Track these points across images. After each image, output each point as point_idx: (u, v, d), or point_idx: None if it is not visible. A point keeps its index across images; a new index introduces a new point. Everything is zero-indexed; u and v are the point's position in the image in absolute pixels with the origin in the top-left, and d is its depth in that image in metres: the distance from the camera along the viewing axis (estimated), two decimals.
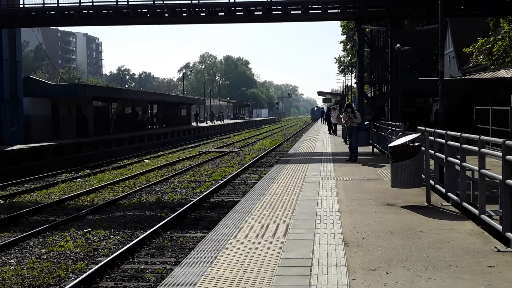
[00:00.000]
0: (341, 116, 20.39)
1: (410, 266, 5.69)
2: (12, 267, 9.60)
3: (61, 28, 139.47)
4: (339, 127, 32.26)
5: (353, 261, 5.95)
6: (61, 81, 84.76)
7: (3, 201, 17.11)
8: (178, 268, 5.97)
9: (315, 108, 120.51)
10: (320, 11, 26.22)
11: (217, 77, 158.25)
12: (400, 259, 5.98)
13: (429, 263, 5.80)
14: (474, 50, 26.46)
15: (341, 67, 66.75)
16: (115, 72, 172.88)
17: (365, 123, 20.18)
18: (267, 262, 6.01)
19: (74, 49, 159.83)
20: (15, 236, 11.90)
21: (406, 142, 9.38)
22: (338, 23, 60.91)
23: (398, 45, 24.55)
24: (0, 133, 28.56)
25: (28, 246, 11.23)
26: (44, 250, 10.86)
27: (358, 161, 16.84)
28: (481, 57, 26.67)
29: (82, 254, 10.48)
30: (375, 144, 20.79)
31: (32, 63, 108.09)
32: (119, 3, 26.20)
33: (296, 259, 6.12)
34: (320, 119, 76.04)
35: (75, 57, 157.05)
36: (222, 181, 19.64)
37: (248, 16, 26.63)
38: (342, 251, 6.34)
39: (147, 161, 29.49)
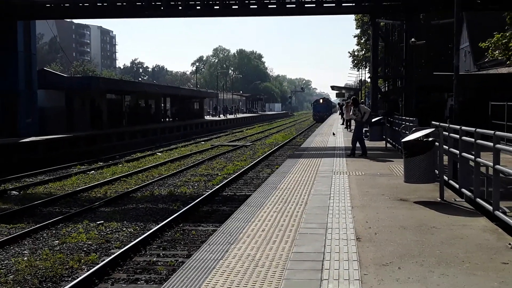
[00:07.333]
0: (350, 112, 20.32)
1: (422, 262, 5.65)
2: (25, 258, 9.67)
3: (76, 21, 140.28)
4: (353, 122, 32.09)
5: (365, 256, 5.92)
6: (75, 74, 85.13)
7: (17, 193, 17.26)
8: (189, 261, 5.97)
9: (321, 101, 79.77)
10: (334, 5, 26.06)
11: (230, 71, 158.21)
12: (413, 254, 5.94)
13: (441, 259, 5.75)
14: (490, 45, 26.17)
15: (355, 62, 66.52)
16: (129, 65, 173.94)
17: (378, 117, 20.05)
18: (279, 256, 6.00)
19: (88, 41, 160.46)
20: (28, 228, 12.00)
21: (420, 137, 9.31)
22: (352, 17, 60.59)
23: (412, 39, 24.37)
24: (15, 125, 28.76)
25: (41, 238, 11.32)
26: (57, 241, 10.93)
27: (370, 156, 16.76)
28: (497, 52, 26.38)
29: (95, 246, 10.55)
30: (389, 139, 20.68)
31: (47, 56, 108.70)
32: None
33: (307, 253, 6.10)
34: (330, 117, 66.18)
35: (89, 50, 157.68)
36: (234, 175, 19.66)
37: (262, 9, 26.55)
38: (354, 246, 6.31)
39: (159, 154, 29.59)
